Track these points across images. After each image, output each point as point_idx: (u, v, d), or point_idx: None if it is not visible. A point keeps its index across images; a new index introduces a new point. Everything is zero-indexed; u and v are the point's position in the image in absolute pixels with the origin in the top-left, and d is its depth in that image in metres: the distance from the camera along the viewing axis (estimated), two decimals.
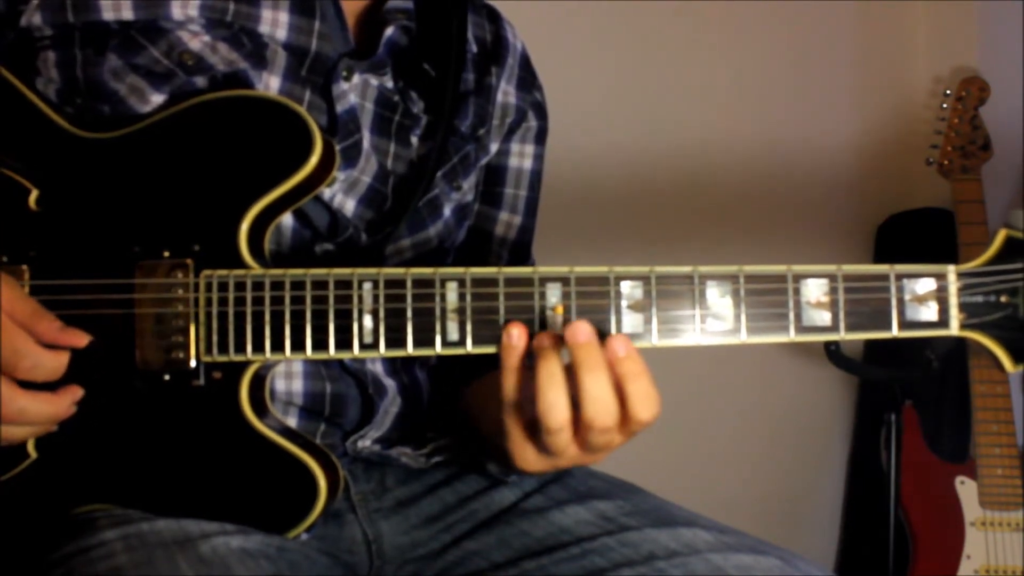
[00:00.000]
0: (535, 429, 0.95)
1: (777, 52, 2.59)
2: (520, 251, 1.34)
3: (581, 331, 0.92)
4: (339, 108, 1.14)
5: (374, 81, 1.18)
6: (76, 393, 0.99)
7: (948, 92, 2.41)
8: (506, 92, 1.31)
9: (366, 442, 1.18)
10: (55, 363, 0.97)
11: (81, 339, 0.98)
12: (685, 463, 2.45)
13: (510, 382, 0.95)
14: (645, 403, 0.92)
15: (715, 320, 0.97)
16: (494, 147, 1.31)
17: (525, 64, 1.35)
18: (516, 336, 0.95)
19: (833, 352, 2.15)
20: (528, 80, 1.34)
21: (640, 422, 0.93)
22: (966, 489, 2.30)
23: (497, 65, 1.30)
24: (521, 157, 1.33)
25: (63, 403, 0.98)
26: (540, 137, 1.35)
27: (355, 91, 1.16)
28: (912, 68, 2.75)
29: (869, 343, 2.52)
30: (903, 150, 2.66)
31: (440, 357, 1.27)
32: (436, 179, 1.21)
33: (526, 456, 0.98)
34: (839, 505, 2.69)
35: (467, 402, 1.24)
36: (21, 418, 0.96)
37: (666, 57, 2.47)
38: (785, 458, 2.64)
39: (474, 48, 1.29)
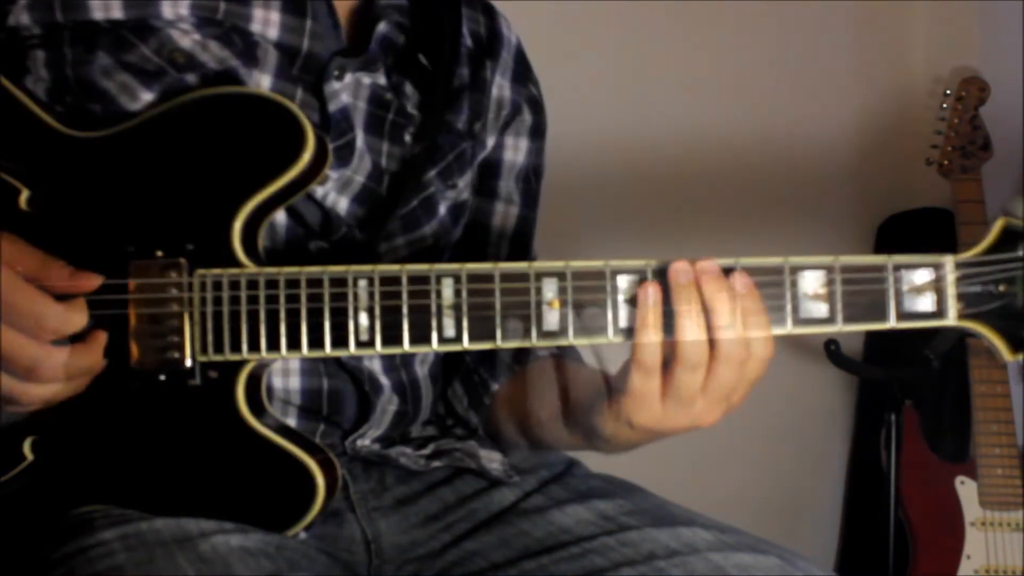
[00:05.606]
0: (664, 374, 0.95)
1: (777, 51, 2.59)
2: (520, 242, 1.33)
3: (710, 267, 0.94)
4: (331, 107, 1.13)
5: (366, 79, 1.17)
6: (101, 338, 0.99)
7: (948, 92, 2.40)
8: (501, 86, 1.30)
9: (365, 441, 1.18)
10: (78, 316, 0.97)
11: (93, 280, 0.98)
12: (685, 463, 2.44)
13: (652, 340, 0.94)
14: (765, 340, 0.94)
15: None
16: (491, 142, 1.30)
17: (520, 58, 1.34)
18: (654, 294, 0.94)
19: (833, 352, 2.15)
20: (523, 74, 1.33)
21: (760, 358, 0.94)
22: (966, 489, 2.29)
23: (492, 59, 1.30)
24: (515, 151, 1.33)
25: (97, 349, 0.98)
26: (535, 132, 1.34)
27: (347, 90, 1.15)
28: (912, 68, 2.74)
29: (869, 342, 2.52)
30: (903, 150, 2.66)
31: (445, 357, 1.27)
32: (431, 177, 1.21)
33: (651, 411, 0.97)
34: (839, 505, 2.69)
35: (511, 395, 1.24)
36: (65, 373, 0.96)
37: (667, 55, 2.46)
38: (785, 458, 2.63)
39: (469, 42, 1.29)
